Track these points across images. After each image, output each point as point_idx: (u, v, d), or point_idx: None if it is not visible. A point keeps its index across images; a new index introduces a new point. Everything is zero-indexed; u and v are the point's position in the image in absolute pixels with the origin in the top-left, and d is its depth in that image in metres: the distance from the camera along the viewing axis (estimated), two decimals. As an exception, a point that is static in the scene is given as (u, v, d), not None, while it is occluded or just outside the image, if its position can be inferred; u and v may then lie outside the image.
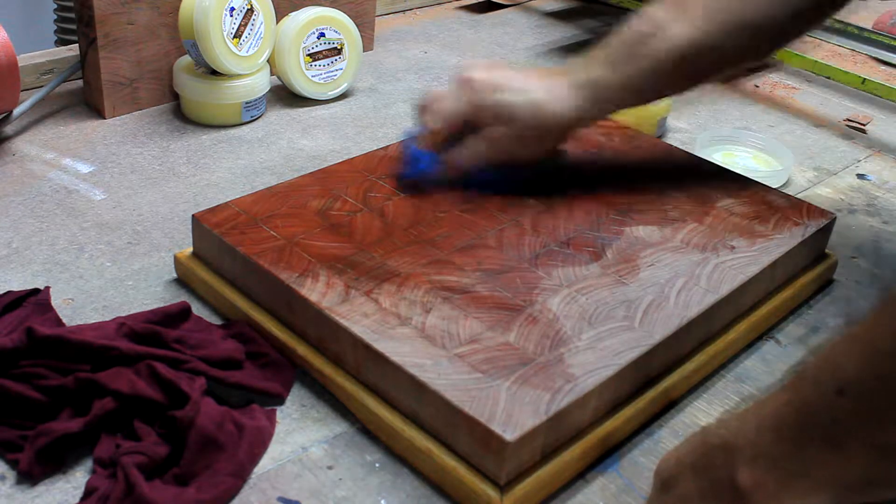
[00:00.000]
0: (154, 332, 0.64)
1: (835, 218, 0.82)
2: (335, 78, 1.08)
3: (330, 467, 0.60)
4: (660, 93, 0.81)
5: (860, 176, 1.04)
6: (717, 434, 0.49)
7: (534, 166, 0.80)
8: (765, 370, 0.73)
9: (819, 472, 0.44)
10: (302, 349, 0.66)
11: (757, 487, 0.45)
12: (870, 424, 0.41)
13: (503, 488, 0.56)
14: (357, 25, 1.09)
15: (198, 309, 0.72)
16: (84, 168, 0.91)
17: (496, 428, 0.55)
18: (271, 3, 1.01)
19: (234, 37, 0.97)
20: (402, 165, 0.80)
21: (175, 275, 0.77)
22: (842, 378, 0.42)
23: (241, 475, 0.58)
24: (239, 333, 0.68)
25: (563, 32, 1.38)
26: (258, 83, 1.01)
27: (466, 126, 0.77)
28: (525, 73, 0.77)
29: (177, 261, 0.76)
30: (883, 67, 1.34)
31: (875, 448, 0.42)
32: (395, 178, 0.80)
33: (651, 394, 0.65)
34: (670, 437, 0.65)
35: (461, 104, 0.76)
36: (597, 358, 0.62)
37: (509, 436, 0.55)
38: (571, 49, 1.32)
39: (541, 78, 0.77)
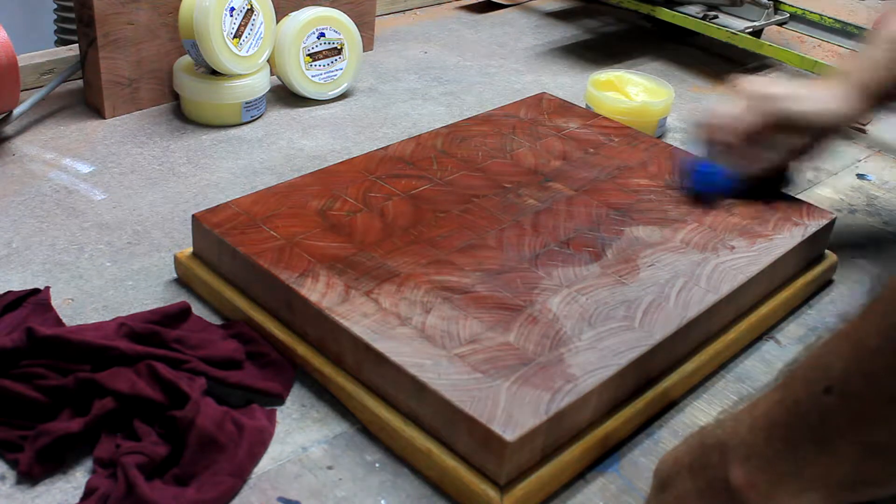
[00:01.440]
0: (154, 332, 0.64)
1: (835, 218, 0.82)
2: (335, 78, 1.08)
3: (330, 467, 0.60)
4: None
5: (860, 176, 1.04)
6: (713, 434, 0.49)
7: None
8: (765, 370, 0.73)
9: (810, 472, 0.44)
10: (302, 349, 0.66)
11: (750, 487, 0.46)
12: (857, 422, 0.42)
13: (503, 488, 0.56)
14: (357, 25, 1.09)
15: (198, 309, 0.72)
16: (84, 168, 0.91)
17: (496, 428, 0.55)
18: (271, 3, 1.01)
19: (234, 37, 0.97)
20: (692, 181, 0.82)
21: (175, 275, 0.77)
22: (830, 376, 0.42)
23: (241, 475, 0.58)
24: (239, 333, 0.68)
25: (563, 32, 1.38)
26: (258, 83, 1.01)
27: (750, 138, 0.80)
28: (801, 84, 0.83)
29: (177, 261, 0.76)
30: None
31: (863, 446, 0.42)
32: (687, 194, 0.82)
33: (651, 394, 0.65)
34: (670, 437, 0.65)
35: (754, 117, 0.79)
36: (597, 358, 0.62)
37: (509, 436, 0.55)
38: (571, 49, 1.32)
39: (820, 86, 0.81)
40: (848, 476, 0.43)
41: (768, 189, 0.83)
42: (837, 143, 0.84)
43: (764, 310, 0.75)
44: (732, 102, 0.81)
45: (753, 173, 0.81)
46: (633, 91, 1.07)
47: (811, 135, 0.80)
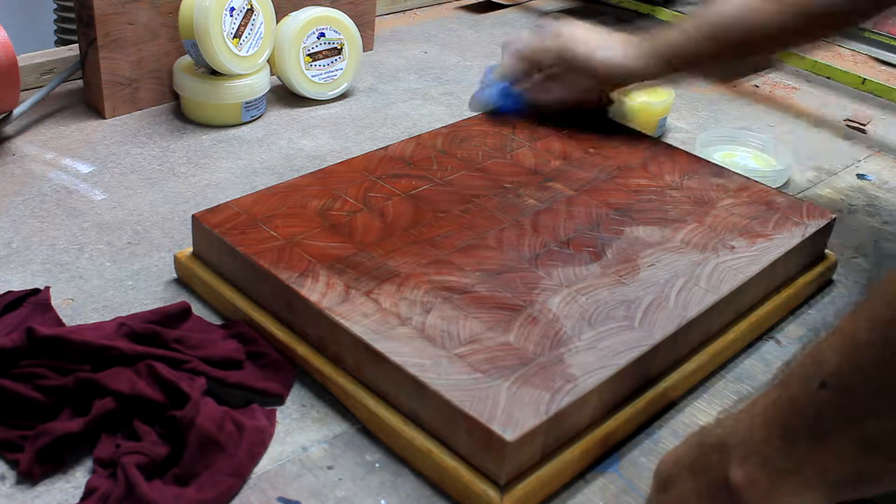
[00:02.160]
0: (154, 332, 0.64)
1: (835, 218, 0.82)
2: (335, 78, 1.08)
3: (330, 467, 0.60)
4: (718, 58, 0.87)
5: (860, 176, 1.04)
6: (713, 434, 0.49)
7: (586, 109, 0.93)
8: (765, 370, 0.73)
9: (808, 469, 0.44)
10: (302, 349, 0.66)
11: (750, 486, 0.46)
12: (851, 417, 0.42)
13: (503, 488, 0.56)
14: (357, 25, 1.09)
15: (198, 309, 0.72)
16: (84, 168, 0.91)
17: (496, 428, 0.55)
18: (271, 3, 1.01)
19: (234, 37, 0.97)
20: (479, 88, 0.94)
21: (175, 275, 0.77)
22: (824, 371, 0.43)
23: (241, 475, 0.58)
24: (239, 333, 0.68)
25: (563, 32, 1.38)
26: (258, 83, 1.01)
27: (542, 68, 0.90)
28: (604, 34, 0.89)
29: (177, 261, 0.76)
30: (883, 67, 1.34)
31: (859, 441, 0.42)
32: (472, 100, 0.94)
33: (651, 394, 0.65)
34: (670, 437, 0.65)
35: (547, 46, 0.89)
36: (597, 358, 0.62)
37: (509, 436, 0.55)
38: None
39: (621, 40, 0.88)
40: (846, 472, 0.43)
41: (587, 118, 0.92)
42: (632, 92, 0.95)
43: (764, 310, 0.75)
44: (540, 36, 0.90)
45: (543, 102, 0.91)
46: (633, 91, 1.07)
47: (596, 79, 0.88)
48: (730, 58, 0.86)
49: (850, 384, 0.42)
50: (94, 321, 0.69)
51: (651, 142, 0.92)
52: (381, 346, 0.61)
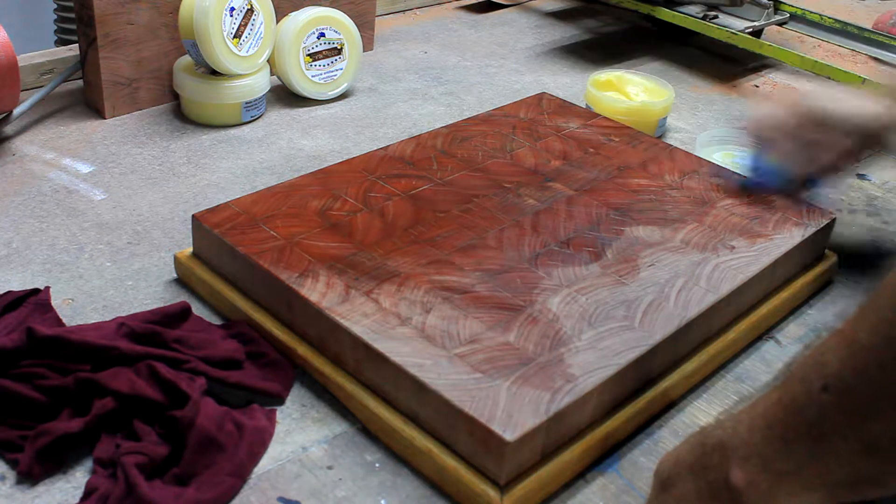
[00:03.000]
0: (154, 332, 0.64)
1: (835, 218, 0.82)
2: (335, 78, 1.08)
3: (330, 467, 0.60)
4: None
5: (860, 176, 1.04)
6: (713, 434, 0.49)
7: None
8: (765, 370, 0.73)
9: (809, 470, 0.44)
10: (302, 349, 0.66)
11: (750, 487, 0.46)
12: (853, 419, 0.42)
13: (503, 488, 0.56)
14: (357, 25, 1.09)
15: (198, 309, 0.72)
16: (84, 168, 0.91)
17: (496, 428, 0.55)
18: (271, 3, 1.01)
19: (234, 37, 0.97)
20: (749, 175, 0.86)
21: (175, 275, 0.77)
22: (825, 374, 0.43)
23: (241, 475, 0.58)
24: (239, 333, 0.68)
25: (563, 32, 1.38)
26: (258, 83, 1.01)
27: (794, 136, 0.83)
28: (843, 90, 0.87)
29: (177, 261, 0.76)
30: (883, 67, 1.34)
31: (860, 443, 0.42)
32: (741, 187, 0.85)
33: (651, 394, 0.65)
34: (670, 437, 0.65)
35: (794, 114, 0.83)
36: (597, 358, 0.62)
37: (509, 436, 0.55)
38: (571, 49, 1.32)
39: (856, 92, 0.85)
40: (847, 474, 0.43)
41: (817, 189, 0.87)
42: (885, 151, 0.88)
43: (764, 310, 0.75)
44: (776, 106, 0.85)
45: (804, 172, 0.84)
46: (633, 91, 1.07)
47: (852, 136, 0.81)
48: None
49: (852, 386, 0.41)
50: (94, 321, 0.69)
51: (651, 142, 0.92)
52: (381, 346, 0.61)
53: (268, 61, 1.03)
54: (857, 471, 0.43)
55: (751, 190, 0.84)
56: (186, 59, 1.02)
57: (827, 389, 0.42)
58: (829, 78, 1.24)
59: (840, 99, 0.82)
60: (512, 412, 0.57)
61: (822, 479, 0.44)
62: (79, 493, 0.56)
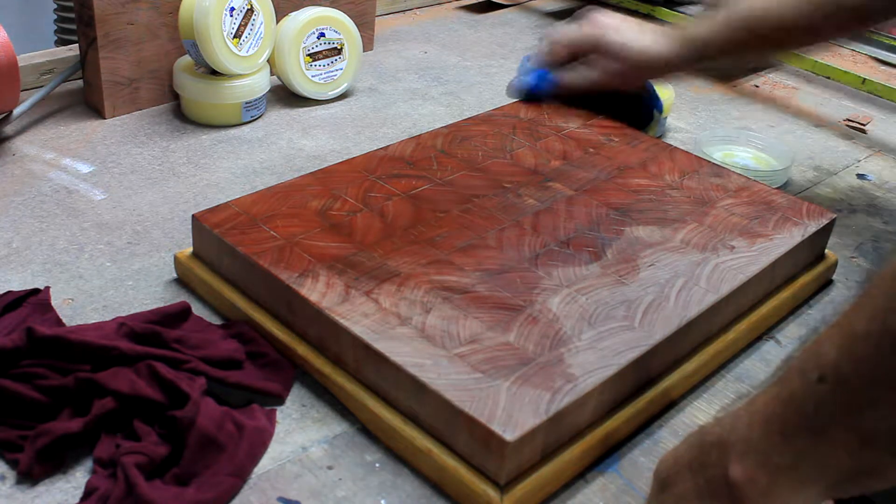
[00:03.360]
0: (154, 332, 0.64)
1: (835, 218, 0.82)
2: (335, 78, 1.08)
3: (330, 467, 0.60)
4: (747, 48, 0.90)
5: (860, 176, 1.04)
6: (712, 432, 0.49)
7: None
8: (765, 370, 0.73)
9: (807, 464, 0.44)
10: (302, 349, 0.66)
11: (749, 483, 0.46)
12: (849, 409, 0.42)
13: (503, 488, 0.56)
14: (357, 25, 1.09)
15: (198, 309, 0.72)
16: (84, 168, 0.91)
17: (496, 428, 0.55)
18: (271, 3, 1.02)
19: (234, 37, 0.97)
20: (517, 76, 0.97)
21: (175, 275, 0.77)
22: (822, 364, 0.43)
23: (241, 475, 0.58)
24: (239, 333, 0.68)
25: (563, 32, 1.38)
26: (258, 83, 1.01)
27: (578, 56, 0.93)
28: (634, 22, 0.93)
29: (177, 261, 0.76)
30: (883, 67, 1.34)
31: (858, 434, 0.42)
32: (509, 87, 0.97)
33: (651, 394, 0.65)
34: (670, 437, 0.65)
35: (582, 35, 0.92)
36: (597, 358, 0.62)
37: (509, 436, 0.55)
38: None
39: (653, 29, 0.91)
40: (845, 467, 0.43)
41: (619, 110, 0.95)
42: (659, 82, 0.98)
43: (764, 310, 0.75)
44: (577, 25, 0.94)
45: (576, 85, 0.93)
46: (633, 91, 1.07)
47: (627, 64, 0.90)
48: (759, 49, 0.90)
49: (848, 376, 0.41)
50: (94, 321, 0.69)
51: (651, 142, 0.92)
52: (381, 345, 0.61)
53: (268, 61, 1.03)
54: (856, 462, 0.43)
55: (525, 94, 0.96)
56: (186, 59, 1.02)
57: (823, 380, 0.42)
58: (828, 78, 1.24)
59: (626, 33, 0.90)
60: (512, 412, 0.57)
61: (820, 472, 0.44)
62: (79, 493, 0.56)
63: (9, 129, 0.96)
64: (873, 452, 0.42)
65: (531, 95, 0.96)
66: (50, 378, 0.60)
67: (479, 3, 1.47)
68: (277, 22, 1.04)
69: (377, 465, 0.61)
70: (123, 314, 0.68)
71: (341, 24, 1.07)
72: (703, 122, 1.13)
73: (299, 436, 0.62)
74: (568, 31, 0.94)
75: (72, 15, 1.45)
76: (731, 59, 0.92)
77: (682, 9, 1.27)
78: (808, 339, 0.46)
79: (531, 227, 0.76)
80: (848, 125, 1.16)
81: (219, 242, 0.71)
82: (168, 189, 0.89)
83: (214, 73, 0.99)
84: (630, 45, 0.90)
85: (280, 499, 0.58)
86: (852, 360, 0.41)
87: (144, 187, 0.89)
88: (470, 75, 1.20)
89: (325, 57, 1.07)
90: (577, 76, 0.93)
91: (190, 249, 0.76)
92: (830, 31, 0.90)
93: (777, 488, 0.45)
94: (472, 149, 0.88)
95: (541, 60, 0.96)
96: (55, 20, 1.57)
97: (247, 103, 1.01)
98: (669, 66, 0.91)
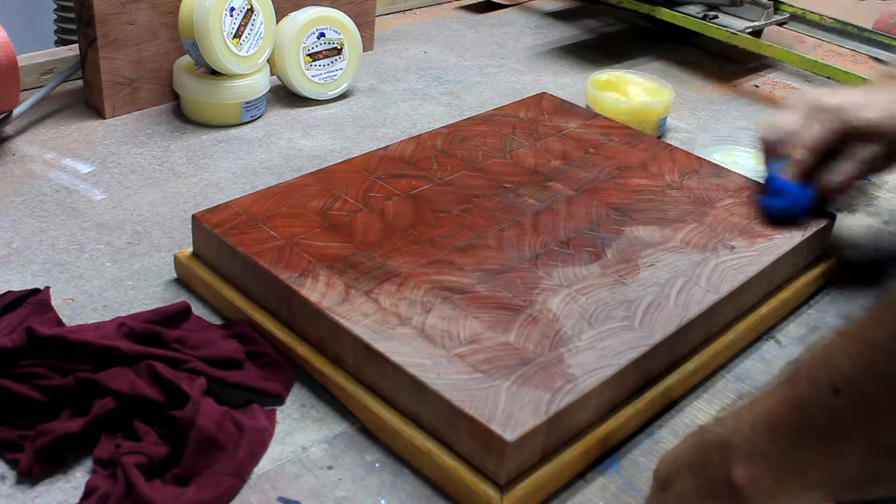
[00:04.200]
0: (154, 332, 0.64)
1: (834, 218, 0.82)
2: (335, 78, 1.08)
3: (330, 467, 0.60)
4: None
5: (860, 176, 1.04)
6: (713, 432, 0.49)
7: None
8: (765, 370, 0.73)
9: (815, 471, 0.44)
10: (302, 349, 0.66)
11: (752, 485, 0.45)
12: (867, 424, 0.41)
13: (503, 488, 0.56)
14: (357, 25, 1.09)
15: (198, 309, 0.72)
16: (84, 168, 0.91)
17: (496, 428, 0.55)
18: (271, 3, 1.02)
19: (234, 37, 0.97)
20: (769, 198, 0.79)
21: (175, 275, 0.77)
22: (839, 377, 0.42)
23: (241, 475, 0.58)
24: (239, 333, 0.68)
25: (563, 32, 1.38)
26: (258, 83, 1.01)
27: (822, 152, 0.77)
28: (866, 90, 0.79)
29: (177, 261, 0.76)
30: (885, 67, 1.34)
31: (872, 447, 0.41)
32: (763, 212, 0.79)
33: (651, 394, 0.65)
34: (670, 437, 0.65)
35: (824, 131, 0.76)
36: (597, 358, 0.62)
37: (509, 436, 0.55)
38: (571, 49, 1.32)
39: (882, 91, 0.77)
40: (854, 475, 0.43)
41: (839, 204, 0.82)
42: None
43: (764, 310, 0.75)
44: (792, 115, 0.78)
45: (831, 188, 0.78)
46: (633, 91, 1.07)
47: (884, 143, 0.77)
48: None
49: (867, 390, 0.41)
50: (94, 321, 0.69)
51: (651, 142, 0.92)
52: (381, 346, 0.61)
53: (268, 61, 1.03)
54: (865, 471, 0.42)
55: (782, 218, 0.78)
56: (186, 59, 1.02)
57: (840, 392, 0.42)
58: (829, 78, 1.24)
59: (868, 105, 0.76)
60: (512, 412, 0.57)
61: (827, 478, 0.44)
62: (79, 493, 0.56)
63: (9, 129, 0.96)
64: (886, 463, 0.42)
65: (793, 217, 0.79)
66: (50, 378, 0.60)
67: (479, 3, 1.47)
68: (277, 22, 1.04)
69: (377, 465, 0.61)
70: (123, 314, 0.68)
71: (341, 24, 1.07)
72: (703, 122, 1.13)
73: (299, 436, 0.62)
74: (806, 132, 0.77)
75: (72, 15, 1.45)
76: None
77: (682, 9, 1.27)
78: (814, 344, 0.46)
79: (531, 227, 0.76)
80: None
81: (219, 242, 0.71)
82: (168, 189, 0.89)
83: (214, 73, 0.99)
84: (883, 119, 0.75)
85: (280, 499, 0.58)
86: (872, 376, 0.41)
87: (144, 187, 0.89)
88: (470, 75, 1.20)
89: (325, 57, 1.07)
90: (839, 177, 0.79)
91: (190, 249, 0.76)
92: None
93: (781, 491, 0.45)
94: (471, 149, 0.88)
95: (794, 175, 0.78)
96: (55, 20, 1.57)
97: (247, 103, 1.01)
98: None
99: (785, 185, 0.78)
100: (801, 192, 0.78)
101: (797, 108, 0.78)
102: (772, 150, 0.79)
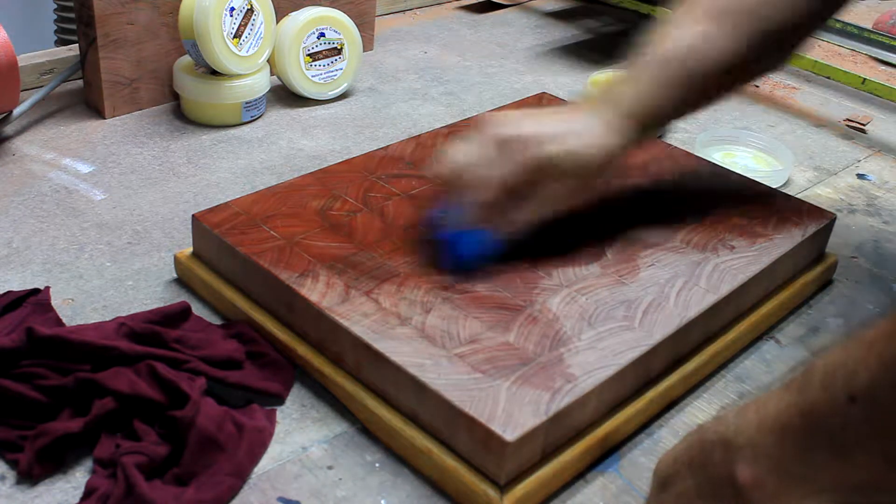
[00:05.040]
0: (154, 332, 0.64)
1: (835, 218, 0.82)
2: (335, 78, 1.08)
3: (330, 467, 0.60)
4: (699, 107, 0.75)
5: (860, 176, 1.04)
6: (714, 431, 0.49)
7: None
8: (765, 370, 0.73)
9: (822, 475, 0.43)
10: (302, 349, 0.66)
11: (756, 486, 0.45)
12: (881, 435, 0.41)
13: (503, 488, 0.56)
14: (357, 25, 1.09)
15: (198, 309, 0.72)
16: (84, 168, 0.91)
17: (496, 428, 0.55)
18: (271, 3, 1.02)
19: (234, 37, 0.97)
20: (449, 253, 0.69)
21: (175, 275, 0.77)
22: (854, 386, 0.42)
23: (241, 475, 0.58)
24: (239, 333, 0.68)
25: (563, 32, 1.38)
26: (258, 83, 1.01)
27: (511, 191, 0.67)
28: (557, 117, 0.70)
29: (177, 261, 0.76)
30: (883, 67, 1.34)
31: (884, 457, 0.41)
32: (445, 271, 0.68)
33: (651, 394, 0.65)
34: (670, 437, 0.65)
35: (511, 168, 0.66)
36: (597, 358, 0.62)
37: (509, 436, 0.55)
38: (571, 49, 1.32)
39: (576, 118, 0.69)
40: (863, 482, 0.42)
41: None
42: (604, 180, 0.71)
43: (764, 310, 0.75)
44: (476, 148, 0.68)
45: (518, 229, 0.69)
46: (633, 91, 1.07)
47: (580, 176, 0.68)
48: (699, 100, 0.73)
49: (885, 401, 0.41)
50: (94, 321, 0.69)
51: (651, 142, 0.92)
52: (381, 346, 0.61)
53: (268, 61, 1.03)
54: (875, 479, 0.42)
55: (465, 264, 0.69)
56: (186, 59, 1.02)
57: (855, 402, 0.41)
58: (828, 78, 1.24)
59: (564, 136, 0.67)
60: (512, 412, 0.57)
61: (835, 485, 0.43)
62: (79, 493, 0.56)
63: (9, 129, 0.96)
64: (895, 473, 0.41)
65: (468, 264, 0.69)
66: (50, 378, 0.60)
67: (479, 3, 1.47)
68: (277, 22, 1.04)
69: (377, 465, 0.61)
70: (123, 314, 0.68)
71: (341, 24, 1.07)
72: (703, 122, 1.13)
73: (299, 436, 0.62)
74: (489, 171, 0.67)
75: (72, 15, 1.45)
76: (673, 118, 0.74)
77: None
78: (824, 348, 0.45)
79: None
80: (848, 125, 1.16)
81: (219, 242, 0.71)
82: (168, 189, 0.89)
83: (214, 73, 0.99)
84: (583, 152, 0.67)
85: (280, 499, 0.58)
86: (890, 387, 0.40)
87: (144, 187, 0.89)
88: (470, 75, 1.20)
89: (325, 57, 1.07)
90: (521, 217, 0.69)
91: (190, 249, 0.76)
92: (761, 61, 0.75)
93: (786, 494, 0.44)
94: (472, 149, 0.87)
95: (469, 218, 0.68)
96: (55, 20, 1.57)
97: (247, 103, 1.01)
98: (615, 160, 0.70)
99: (464, 235, 0.69)
100: (483, 237, 0.69)
101: (479, 139, 0.68)
102: (462, 192, 0.68)
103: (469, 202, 0.67)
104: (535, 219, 0.69)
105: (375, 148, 0.89)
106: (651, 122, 0.70)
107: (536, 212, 0.68)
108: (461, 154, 0.69)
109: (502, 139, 0.67)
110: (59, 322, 0.68)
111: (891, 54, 1.29)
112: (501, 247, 0.69)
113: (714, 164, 0.89)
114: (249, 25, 0.99)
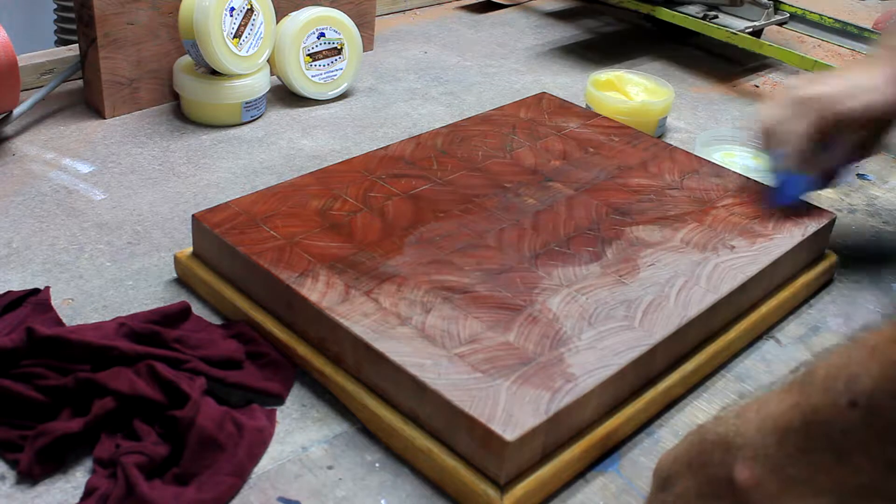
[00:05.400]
0: (154, 332, 0.64)
1: (835, 218, 0.82)
2: (335, 78, 1.08)
3: (330, 467, 0.60)
4: None
5: (860, 176, 1.04)
6: (714, 431, 0.49)
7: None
8: (765, 370, 0.73)
9: (822, 478, 0.43)
10: (302, 349, 0.66)
11: (756, 486, 0.45)
12: (882, 440, 0.41)
13: (503, 488, 0.56)
14: (357, 25, 1.09)
15: (198, 309, 0.72)
16: (84, 168, 0.91)
17: (496, 428, 0.55)
18: (271, 3, 1.02)
19: (234, 37, 0.97)
20: (774, 195, 0.82)
21: (175, 275, 0.77)
22: (856, 390, 0.41)
23: (241, 475, 0.58)
24: (239, 333, 0.68)
25: (563, 32, 1.38)
26: (258, 83, 1.01)
27: (815, 141, 0.79)
28: (846, 75, 0.81)
29: (177, 261, 0.76)
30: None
31: (885, 462, 0.41)
32: (767, 207, 0.81)
33: (651, 394, 0.65)
34: (670, 436, 0.65)
35: (812, 123, 0.78)
36: (597, 358, 0.62)
37: (509, 436, 0.55)
38: (571, 49, 1.32)
39: (861, 76, 0.80)
40: (862, 486, 0.42)
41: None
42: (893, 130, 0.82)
43: (764, 309, 0.75)
44: (781, 108, 0.81)
45: (825, 173, 0.82)
46: (633, 91, 1.07)
47: (871, 127, 0.79)
48: None
49: (887, 407, 0.41)
50: (94, 321, 0.69)
51: (651, 142, 0.92)
52: (381, 345, 0.61)
53: (268, 61, 1.03)
54: (874, 484, 0.42)
55: (784, 204, 0.82)
56: (186, 59, 1.02)
57: (856, 406, 0.41)
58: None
59: (853, 92, 0.78)
60: (512, 412, 0.57)
61: (834, 487, 0.43)
62: (79, 493, 0.56)
63: (9, 129, 0.96)
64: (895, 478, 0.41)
65: (793, 200, 0.83)
66: (50, 378, 0.60)
67: (479, 3, 1.47)
68: (277, 22, 1.04)
69: (377, 465, 0.61)
70: (123, 314, 0.68)
71: (341, 24, 1.07)
72: (703, 122, 1.13)
73: (299, 436, 0.62)
74: (790, 120, 0.79)
75: (72, 15, 1.45)
76: None
77: (682, 9, 1.27)
78: (826, 349, 0.45)
79: (531, 227, 0.76)
80: (848, 125, 1.16)
81: (219, 242, 0.71)
82: (168, 189, 0.89)
83: (214, 73, 0.99)
84: (870, 105, 0.78)
85: (280, 499, 0.58)
86: (891, 393, 0.40)
87: (144, 187, 0.89)
88: (470, 75, 1.20)
89: (325, 57, 1.07)
90: (831, 161, 0.82)
91: (190, 249, 0.76)
92: None
93: (785, 495, 0.44)
94: (471, 149, 0.88)
95: (794, 165, 0.80)
96: (55, 20, 1.57)
97: (247, 103, 1.01)
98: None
99: (788, 178, 0.81)
100: (803, 179, 0.81)
101: (781, 101, 0.81)
102: (767, 144, 0.82)
103: (781, 153, 0.80)
104: (843, 160, 0.81)
105: (375, 148, 0.89)
106: None
107: (836, 156, 0.80)
108: (769, 114, 0.81)
109: (802, 99, 0.79)
110: (59, 322, 0.68)
111: (891, 54, 1.29)
112: (817, 185, 0.83)
113: (714, 163, 0.89)
114: (249, 25, 0.99)
